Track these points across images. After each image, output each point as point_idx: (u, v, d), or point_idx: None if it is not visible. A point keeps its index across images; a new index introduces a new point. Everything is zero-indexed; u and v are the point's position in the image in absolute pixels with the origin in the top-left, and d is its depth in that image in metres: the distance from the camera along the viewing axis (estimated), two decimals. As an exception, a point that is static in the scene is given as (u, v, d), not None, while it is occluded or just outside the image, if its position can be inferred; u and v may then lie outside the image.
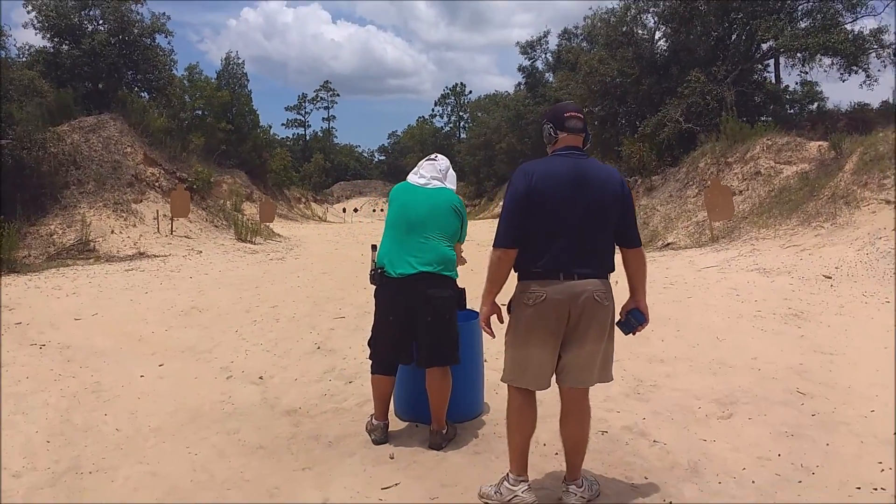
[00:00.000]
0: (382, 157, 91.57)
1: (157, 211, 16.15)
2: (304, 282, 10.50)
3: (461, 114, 74.74)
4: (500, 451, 3.65)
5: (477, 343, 4.23)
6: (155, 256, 13.42)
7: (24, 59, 19.06)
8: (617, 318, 3.06)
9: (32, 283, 9.73)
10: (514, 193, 2.88)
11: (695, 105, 17.11)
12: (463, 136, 68.59)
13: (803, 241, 10.11)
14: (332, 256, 15.23)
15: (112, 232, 14.46)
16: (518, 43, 41.73)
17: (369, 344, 3.94)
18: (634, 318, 3.07)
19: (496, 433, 3.97)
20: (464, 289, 3.96)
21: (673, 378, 5.06)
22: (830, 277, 8.37)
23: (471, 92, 77.78)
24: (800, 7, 17.96)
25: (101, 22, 20.46)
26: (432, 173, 3.95)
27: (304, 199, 46.96)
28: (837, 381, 4.84)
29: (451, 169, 4.07)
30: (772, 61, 19.78)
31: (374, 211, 59.67)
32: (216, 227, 18.57)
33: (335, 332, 6.75)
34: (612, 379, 3.12)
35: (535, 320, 2.88)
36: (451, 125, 76.59)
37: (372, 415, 4.00)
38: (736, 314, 7.22)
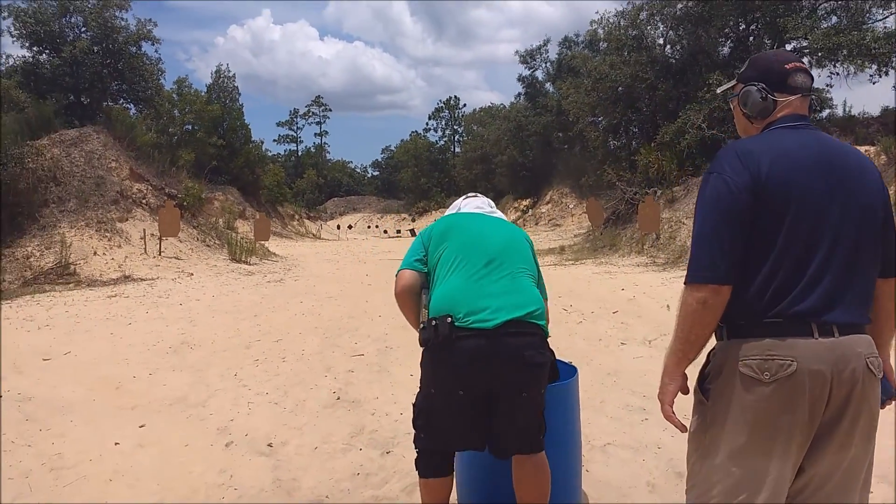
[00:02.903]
0: (376, 173, 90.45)
1: (145, 230, 14.98)
2: (309, 308, 9.34)
3: (455, 127, 73.79)
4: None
5: (573, 413, 3.04)
6: (141, 280, 12.23)
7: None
8: None
9: (2, 314, 8.52)
10: (727, 190, 1.72)
11: (717, 110, 16.10)
12: (458, 150, 67.62)
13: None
14: (335, 278, 14.06)
15: (95, 253, 13.28)
16: (517, 52, 41.07)
17: (417, 427, 2.61)
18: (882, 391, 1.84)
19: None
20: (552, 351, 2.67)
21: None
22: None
23: (465, 105, 76.93)
24: (821, 5, 17.04)
25: (83, 29, 19.31)
26: (487, 205, 2.99)
27: (297, 217, 45.72)
28: None
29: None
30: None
31: (368, 227, 58.54)
32: (208, 246, 17.42)
33: (356, 376, 5.58)
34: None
35: (775, 409, 1.68)
36: (445, 139, 75.63)
37: None
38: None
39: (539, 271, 2.75)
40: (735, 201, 1.71)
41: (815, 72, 17.59)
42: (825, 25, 16.07)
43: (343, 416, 4.57)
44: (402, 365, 5.82)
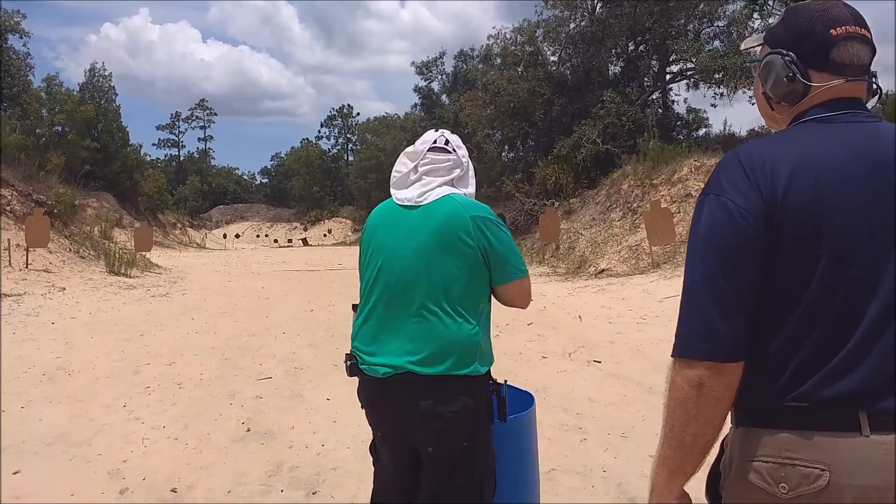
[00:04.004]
0: (265, 180, 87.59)
1: (9, 240, 13.50)
2: (203, 325, 8.64)
3: (349, 136, 72.90)
4: None
5: (529, 448, 2.71)
6: (6, 296, 10.93)
7: None
8: None
9: None
10: (727, 219, 1.19)
11: (611, 126, 16.68)
12: (351, 158, 66.87)
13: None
14: (227, 291, 13.24)
15: (-52, 267, 11.79)
16: (413, 63, 41.24)
17: (371, 452, 2.33)
18: None
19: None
20: (500, 386, 2.21)
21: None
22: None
23: (358, 114, 76.14)
24: (705, 31, 18.12)
25: (-61, 20, 17.34)
26: (436, 175, 2.13)
27: (179, 225, 43.47)
28: None
29: (467, 157, 2.26)
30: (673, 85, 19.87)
31: (257, 237, 56.57)
32: (82, 258, 15.99)
33: (265, 403, 5.09)
34: None
35: None
36: (338, 148, 74.54)
37: None
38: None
39: (485, 264, 2.07)
40: (740, 234, 1.17)
41: (703, 93, 18.38)
42: (708, 49, 17.05)
43: (256, 450, 4.10)
44: (317, 388, 5.40)
